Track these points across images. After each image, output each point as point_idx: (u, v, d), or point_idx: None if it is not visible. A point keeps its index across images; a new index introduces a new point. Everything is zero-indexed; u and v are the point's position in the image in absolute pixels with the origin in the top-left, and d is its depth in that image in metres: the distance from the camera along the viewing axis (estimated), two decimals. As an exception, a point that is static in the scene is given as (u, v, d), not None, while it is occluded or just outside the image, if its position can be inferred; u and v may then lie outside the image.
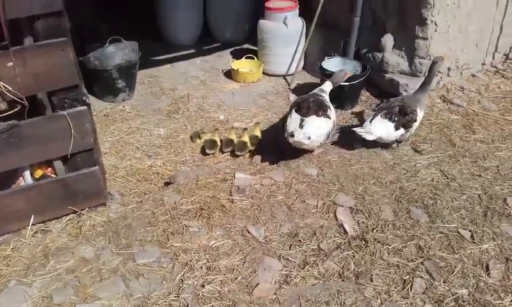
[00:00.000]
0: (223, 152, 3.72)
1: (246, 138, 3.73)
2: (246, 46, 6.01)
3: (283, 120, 3.58)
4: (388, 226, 2.73)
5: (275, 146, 3.62)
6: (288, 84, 5.03)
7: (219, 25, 5.96)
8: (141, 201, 3.05)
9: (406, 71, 4.35)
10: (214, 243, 2.63)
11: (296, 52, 5.10)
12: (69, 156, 2.64)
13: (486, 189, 3.04)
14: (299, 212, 2.86)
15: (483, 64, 4.76)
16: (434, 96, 4.34)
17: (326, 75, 4.38)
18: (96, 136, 2.81)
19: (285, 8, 4.94)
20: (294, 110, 3.38)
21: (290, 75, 5.15)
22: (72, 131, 2.57)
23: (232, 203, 2.94)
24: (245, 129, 3.89)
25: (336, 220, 2.80)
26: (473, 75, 4.67)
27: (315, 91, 3.70)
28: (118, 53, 4.53)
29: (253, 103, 4.64)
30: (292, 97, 4.75)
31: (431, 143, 3.63)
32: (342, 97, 4.32)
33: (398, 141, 3.55)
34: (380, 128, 3.38)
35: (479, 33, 4.48)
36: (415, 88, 4.28)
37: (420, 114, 3.53)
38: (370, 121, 3.43)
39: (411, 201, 2.94)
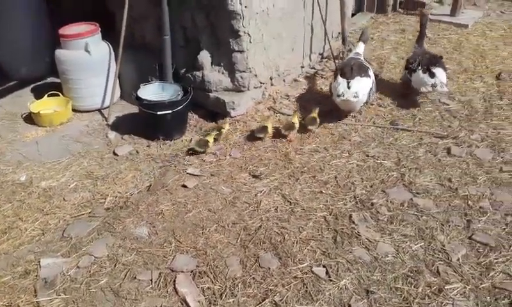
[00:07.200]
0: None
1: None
2: (50, 80, 5.09)
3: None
4: (237, 285, 2.31)
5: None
6: (106, 119, 4.34)
7: (11, 60, 4.91)
8: None
9: (229, 87, 4.04)
10: None
11: (107, 81, 4.43)
12: None
13: (330, 208, 2.85)
14: (129, 296, 2.27)
15: (302, 67, 4.74)
16: (262, 108, 4.13)
17: (144, 105, 3.84)
18: None
19: (84, 33, 4.23)
20: (339, 75, 3.81)
21: (106, 108, 4.46)
22: None
23: (38, 308, 2.22)
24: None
25: (178, 294, 2.29)
26: (295, 80, 4.61)
27: (352, 55, 4.18)
28: None
29: (64, 151, 3.85)
30: (113, 135, 4.08)
31: (268, 164, 3.37)
32: (168, 127, 3.85)
33: None
34: None
35: (293, 37, 4.41)
36: (240, 104, 4.02)
37: None
38: None
39: (258, 244, 2.58)
